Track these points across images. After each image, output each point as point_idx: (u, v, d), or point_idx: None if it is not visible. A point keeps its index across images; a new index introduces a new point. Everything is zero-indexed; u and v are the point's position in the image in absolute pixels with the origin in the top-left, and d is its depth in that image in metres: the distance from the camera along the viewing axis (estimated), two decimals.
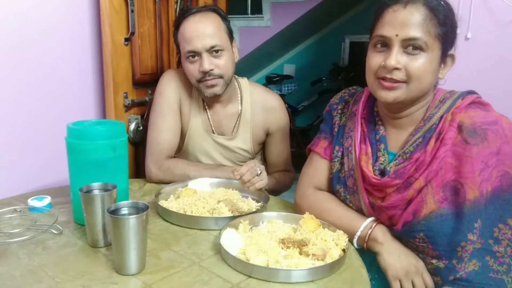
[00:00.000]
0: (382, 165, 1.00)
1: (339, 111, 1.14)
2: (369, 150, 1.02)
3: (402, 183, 0.94)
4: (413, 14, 0.88)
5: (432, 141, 0.93)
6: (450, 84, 1.04)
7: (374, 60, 0.94)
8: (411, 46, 0.89)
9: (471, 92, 1.00)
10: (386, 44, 0.92)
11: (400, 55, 0.90)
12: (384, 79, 0.92)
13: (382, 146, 1.01)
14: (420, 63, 0.89)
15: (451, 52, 0.95)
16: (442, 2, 0.91)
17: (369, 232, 0.97)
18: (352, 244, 1.00)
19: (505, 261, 0.86)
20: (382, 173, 0.99)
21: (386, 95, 0.93)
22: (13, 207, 1.13)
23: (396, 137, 1.01)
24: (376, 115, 1.05)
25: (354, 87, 1.17)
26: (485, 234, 0.87)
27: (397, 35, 0.89)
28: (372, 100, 1.08)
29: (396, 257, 0.94)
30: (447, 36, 0.91)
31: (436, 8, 0.89)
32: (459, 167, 0.89)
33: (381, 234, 0.97)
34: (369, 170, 0.99)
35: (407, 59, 0.90)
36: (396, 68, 0.90)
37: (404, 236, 0.95)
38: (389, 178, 0.95)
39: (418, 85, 0.91)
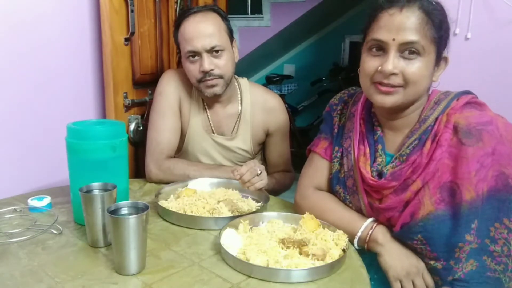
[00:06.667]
0: (379, 165, 0.99)
1: (339, 112, 1.13)
2: (368, 150, 1.02)
3: (399, 185, 0.94)
4: (410, 18, 0.87)
5: (428, 143, 0.93)
6: (450, 84, 1.04)
7: (370, 64, 0.93)
8: (407, 50, 0.88)
9: (466, 92, 0.99)
10: (382, 48, 0.91)
11: (397, 60, 0.89)
12: (380, 84, 0.91)
13: (380, 147, 1.01)
14: (416, 67, 0.89)
15: (444, 54, 0.95)
16: (437, 5, 0.90)
17: (370, 232, 0.97)
18: (352, 244, 1.00)
19: (502, 260, 0.86)
20: (380, 174, 0.99)
21: (383, 100, 0.92)
22: (13, 207, 1.13)
23: (393, 139, 1.01)
24: (373, 116, 1.05)
25: (353, 87, 1.17)
26: (482, 234, 0.86)
27: (394, 39, 0.88)
28: (370, 101, 1.07)
29: (397, 258, 0.94)
30: (441, 39, 0.91)
31: (432, 12, 0.88)
32: (455, 168, 0.89)
33: (382, 235, 0.97)
34: (366, 171, 0.99)
35: (404, 64, 0.89)
36: (393, 73, 0.89)
37: (403, 238, 0.95)
38: (385, 180, 0.95)
39: (415, 89, 0.91)
